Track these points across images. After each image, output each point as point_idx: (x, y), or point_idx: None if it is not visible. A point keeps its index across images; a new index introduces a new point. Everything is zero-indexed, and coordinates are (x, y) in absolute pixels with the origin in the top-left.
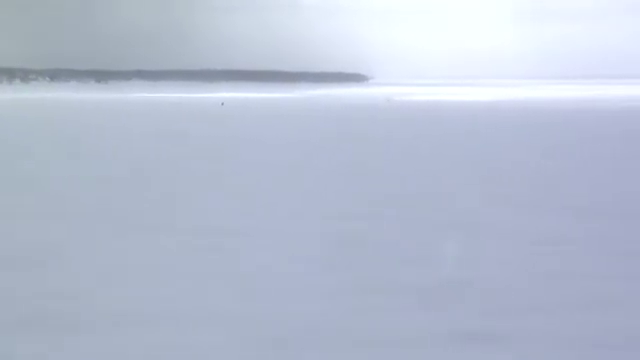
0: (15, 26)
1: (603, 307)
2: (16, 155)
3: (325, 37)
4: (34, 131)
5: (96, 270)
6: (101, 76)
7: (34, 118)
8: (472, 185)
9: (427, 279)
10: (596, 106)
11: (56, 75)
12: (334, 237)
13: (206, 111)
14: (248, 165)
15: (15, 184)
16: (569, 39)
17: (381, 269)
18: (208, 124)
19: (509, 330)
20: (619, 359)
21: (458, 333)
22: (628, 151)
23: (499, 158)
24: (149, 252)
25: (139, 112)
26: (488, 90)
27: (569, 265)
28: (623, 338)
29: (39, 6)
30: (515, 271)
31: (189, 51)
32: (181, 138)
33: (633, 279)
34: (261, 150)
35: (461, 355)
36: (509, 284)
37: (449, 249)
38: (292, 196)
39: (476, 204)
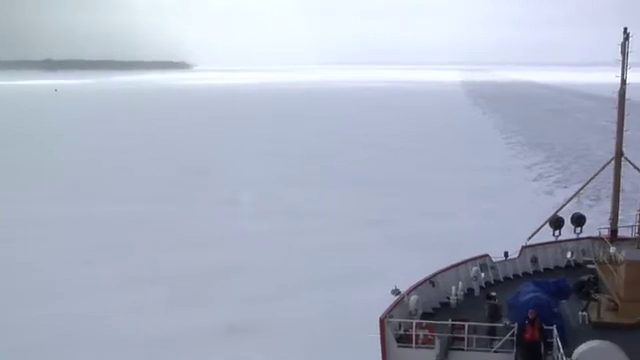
0: None
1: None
2: None
3: (155, 32)
4: None
5: None
6: None
7: None
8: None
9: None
10: (365, 85)
11: None
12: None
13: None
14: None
15: None
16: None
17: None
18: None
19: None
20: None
21: (217, 327)
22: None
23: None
24: None
25: None
26: (281, 74)
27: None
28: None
29: None
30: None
31: (36, 43)
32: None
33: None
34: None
35: (223, 349)
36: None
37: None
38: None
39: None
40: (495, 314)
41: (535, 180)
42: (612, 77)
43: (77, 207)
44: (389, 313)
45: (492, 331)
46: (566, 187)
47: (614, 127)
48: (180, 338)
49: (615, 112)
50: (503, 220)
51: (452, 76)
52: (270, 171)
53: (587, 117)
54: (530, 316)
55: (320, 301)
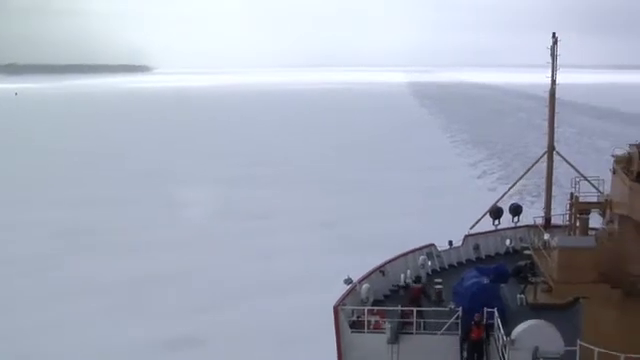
0: None
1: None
2: None
3: (119, 37)
4: None
5: None
6: None
7: None
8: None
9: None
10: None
11: None
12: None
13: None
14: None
15: None
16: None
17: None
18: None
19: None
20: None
21: (156, 341)
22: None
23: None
24: None
25: None
26: (237, 76)
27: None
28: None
29: None
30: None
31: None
32: None
33: None
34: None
35: None
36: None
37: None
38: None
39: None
40: (417, 298)
41: (479, 177)
42: (544, 78)
43: (12, 212)
44: (342, 301)
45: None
46: (508, 184)
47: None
48: (112, 356)
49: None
50: (451, 219)
51: (399, 77)
52: (222, 172)
53: (527, 116)
54: (476, 319)
55: (266, 310)
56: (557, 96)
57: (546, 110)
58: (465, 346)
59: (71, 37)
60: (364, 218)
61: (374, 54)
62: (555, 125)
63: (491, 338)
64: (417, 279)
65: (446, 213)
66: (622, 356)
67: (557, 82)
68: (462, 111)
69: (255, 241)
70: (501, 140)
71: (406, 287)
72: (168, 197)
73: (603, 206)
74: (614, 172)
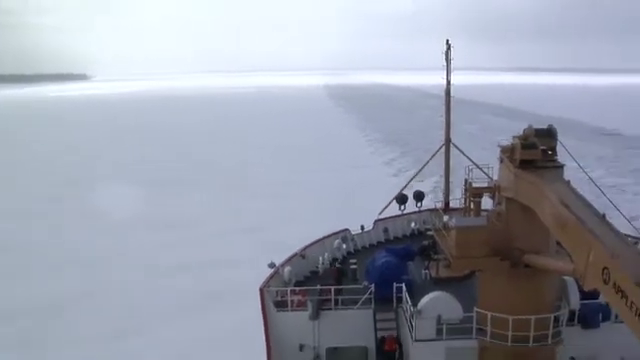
0: None
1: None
2: None
3: (61, 47)
4: None
5: None
6: None
7: None
8: None
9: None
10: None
11: None
12: None
13: None
14: None
15: None
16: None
17: None
18: None
19: None
20: None
21: None
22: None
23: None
24: None
25: None
26: (168, 82)
27: None
28: None
29: None
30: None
31: None
32: None
33: None
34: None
35: None
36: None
37: None
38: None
39: None
40: (339, 276)
41: (395, 175)
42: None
43: None
44: (267, 283)
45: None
46: (422, 181)
47: (457, 120)
48: None
49: (444, 107)
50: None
51: (316, 80)
52: (142, 179)
53: (432, 113)
54: (387, 337)
55: (175, 337)
56: (464, 97)
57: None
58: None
59: (8, 48)
60: (289, 222)
61: (294, 59)
62: (451, 120)
63: (400, 310)
64: (334, 261)
65: (366, 215)
66: (510, 318)
67: (452, 82)
68: (375, 111)
69: (175, 253)
70: (412, 137)
71: (330, 266)
72: (83, 208)
73: (493, 190)
74: (501, 161)
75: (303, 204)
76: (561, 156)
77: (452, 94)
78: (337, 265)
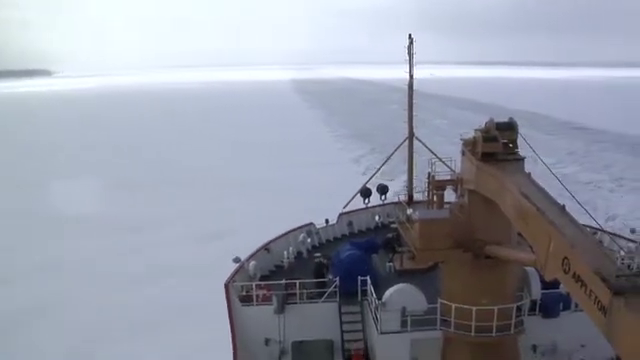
0: None
1: None
2: None
3: (26, 44)
4: None
5: None
6: None
7: None
8: None
9: None
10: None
11: None
12: None
13: None
14: None
15: None
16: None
17: None
18: None
19: None
20: None
21: None
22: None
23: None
24: None
25: None
26: (126, 77)
27: None
28: None
29: None
30: None
31: None
32: None
33: None
34: None
35: None
36: None
37: None
38: None
39: None
40: (321, 271)
41: (364, 174)
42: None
43: None
44: (232, 278)
45: (321, 285)
46: (392, 180)
47: (428, 115)
48: None
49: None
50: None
51: (282, 75)
52: (103, 178)
53: (400, 107)
54: (354, 353)
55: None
56: (436, 92)
57: (419, 102)
58: None
59: None
60: (255, 225)
61: (263, 55)
62: (422, 116)
63: (365, 303)
64: (299, 255)
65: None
66: (473, 309)
67: (415, 77)
68: (341, 105)
69: (133, 261)
70: (381, 132)
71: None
72: (31, 211)
73: (455, 183)
74: (463, 153)
75: (267, 204)
76: (529, 149)
77: (415, 88)
78: (322, 260)
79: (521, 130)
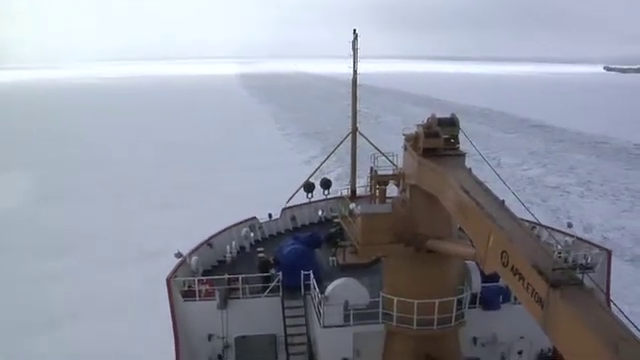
0: None
1: None
2: None
3: None
4: None
5: None
6: None
7: None
8: None
9: None
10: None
11: None
12: None
13: None
14: None
15: None
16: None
17: None
18: None
19: None
20: None
21: None
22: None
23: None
24: None
25: None
26: (73, 71)
27: None
28: None
29: None
30: None
31: None
32: None
33: None
34: None
35: None
36: None
37: None
38: None
39: None
40: (266, 269)
41: (316, 178)
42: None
43: None
44: (174, 273)
45: (264, 280)
46: (347, 185)
47: (381, 111)
48: None
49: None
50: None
51: (229, 69)
52: (27, 185)
53: (349, 102)
54: None
55: None
56: (391, 87)
57: (369, 97)
58: None
59: None
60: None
61: (212, 48)
62: (375, 112)
63: (308, 297)
64: (242, 249)
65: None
66: (415, 302)
67: (359, 72)
68: (290, 100)
69: (44, 293)
70: (333, 130)
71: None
72: None
73: (398, 177)
74: (405, 148)
75: (204, 214)
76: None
77: (360, 83)
78: (266, 257)
79: (480, 128)
